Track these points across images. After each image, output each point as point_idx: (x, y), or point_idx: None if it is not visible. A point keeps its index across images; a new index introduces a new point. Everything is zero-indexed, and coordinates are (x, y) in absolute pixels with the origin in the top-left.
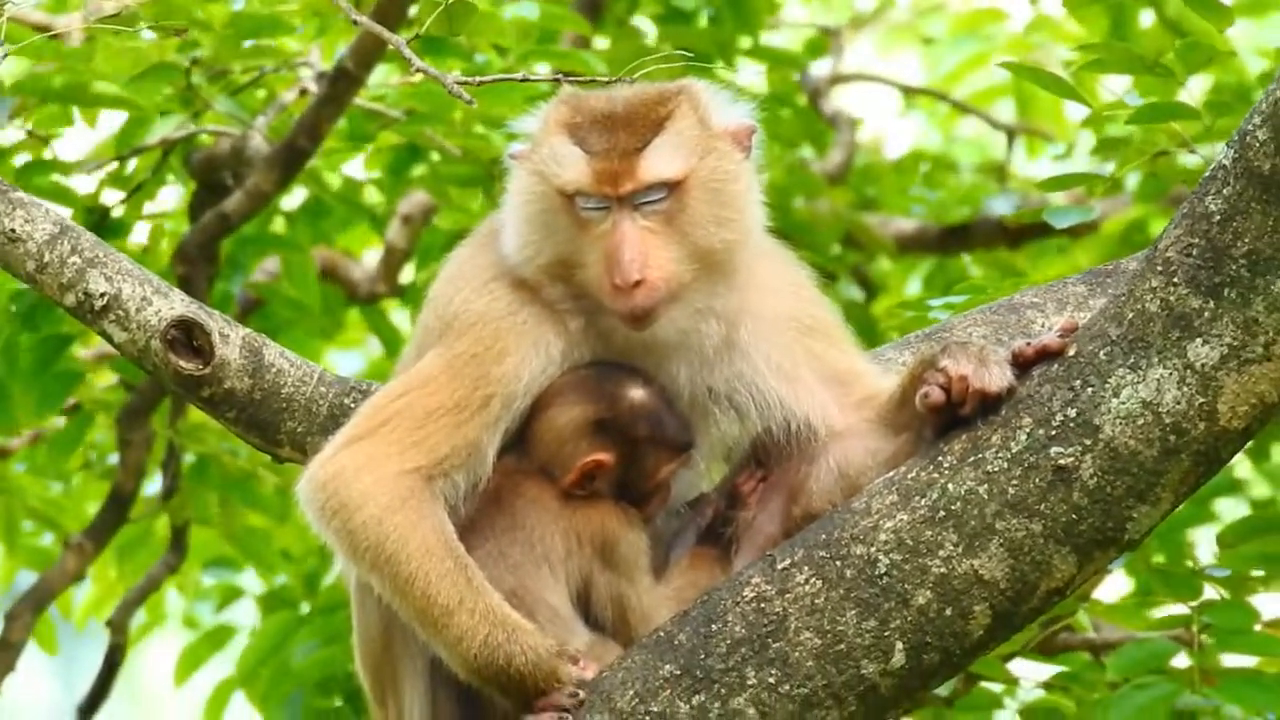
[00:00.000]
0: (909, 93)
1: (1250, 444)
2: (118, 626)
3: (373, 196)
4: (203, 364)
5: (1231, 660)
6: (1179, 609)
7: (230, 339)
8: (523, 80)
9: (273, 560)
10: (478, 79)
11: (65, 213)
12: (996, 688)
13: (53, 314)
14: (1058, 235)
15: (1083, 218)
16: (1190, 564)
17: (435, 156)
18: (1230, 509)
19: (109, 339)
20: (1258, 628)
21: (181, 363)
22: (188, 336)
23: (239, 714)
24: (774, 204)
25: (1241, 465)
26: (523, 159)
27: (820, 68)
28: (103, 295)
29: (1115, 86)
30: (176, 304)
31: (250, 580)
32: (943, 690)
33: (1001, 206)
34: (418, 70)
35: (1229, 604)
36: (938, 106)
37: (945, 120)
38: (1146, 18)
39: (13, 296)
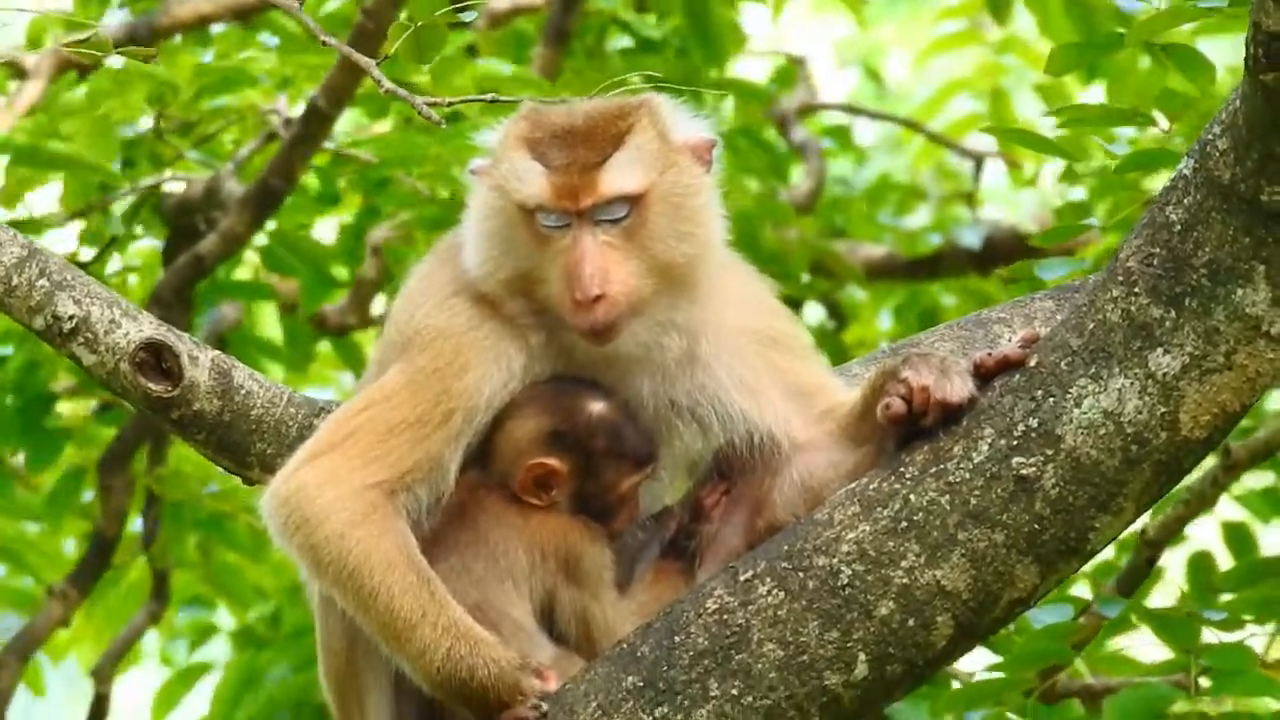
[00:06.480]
0: (878, 119)
1: None
2: (102, 676)
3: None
4: (171, 386)
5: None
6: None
7: (199, 361)
8: (492, 101)
9: (246, 596)
10: (447, 100)
11: None
12: None
13: (37, 374)
14: (1028, 260)
15: (1072, 269)
16: (1187, 608)
17: (403, 215)
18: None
19: (78, 362)
20: (1257, 670)
21: (150, 385)
22: (156, 359)
23: None
24: (743, 233)
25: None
26: (483, 174)
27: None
28: (71, 318)
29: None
30: (145, 326)
31: (224, 617)
32: None
33: (970, 237)
34: (388, 91)
35: (1227, 646)
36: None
37: (922, 151)
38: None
39: None
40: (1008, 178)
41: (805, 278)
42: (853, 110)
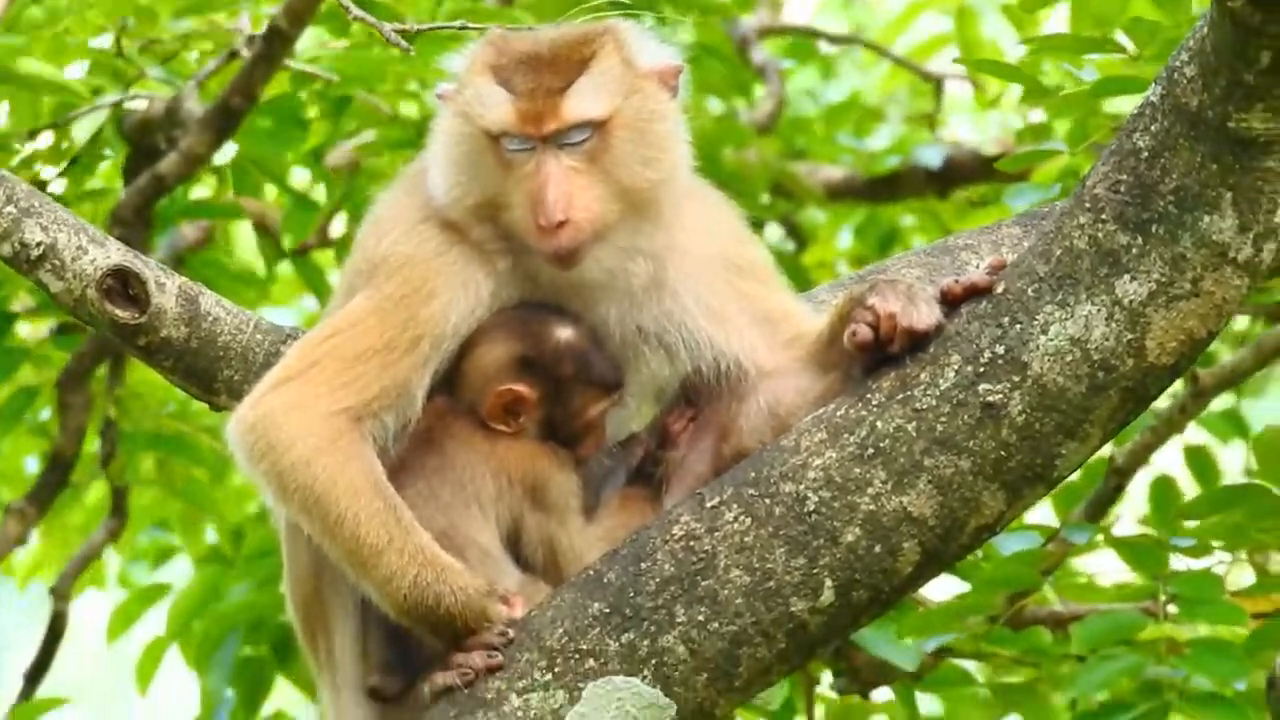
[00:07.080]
0: (838, 42)
1: None
2: (60, 594)
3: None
4: (139, 312)
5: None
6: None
7: (166, 287)
8: (460, 29)
9: (206, 516)
10: (414, 25)
11: None
12: (965, 663)
13: None
14: (989, 182)
15: (1041, 195)
16: (1154, 534)
17: (366, 134)
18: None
19: (45, 288)
20: (1224, 597)
21: (117, 311)
22: (124, 285)
23: (173, 669)
24: (703, 154)
25: None
26: (449, 99)
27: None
28: (38, 245)
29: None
30: (112, 253)
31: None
32: (910, 666)
33: (930, 156)
34: (355, 18)
35: (1194, 574)
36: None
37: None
38: None
39: None
40: (973, 100)
41: (765, 199)
42: (813, 33)
